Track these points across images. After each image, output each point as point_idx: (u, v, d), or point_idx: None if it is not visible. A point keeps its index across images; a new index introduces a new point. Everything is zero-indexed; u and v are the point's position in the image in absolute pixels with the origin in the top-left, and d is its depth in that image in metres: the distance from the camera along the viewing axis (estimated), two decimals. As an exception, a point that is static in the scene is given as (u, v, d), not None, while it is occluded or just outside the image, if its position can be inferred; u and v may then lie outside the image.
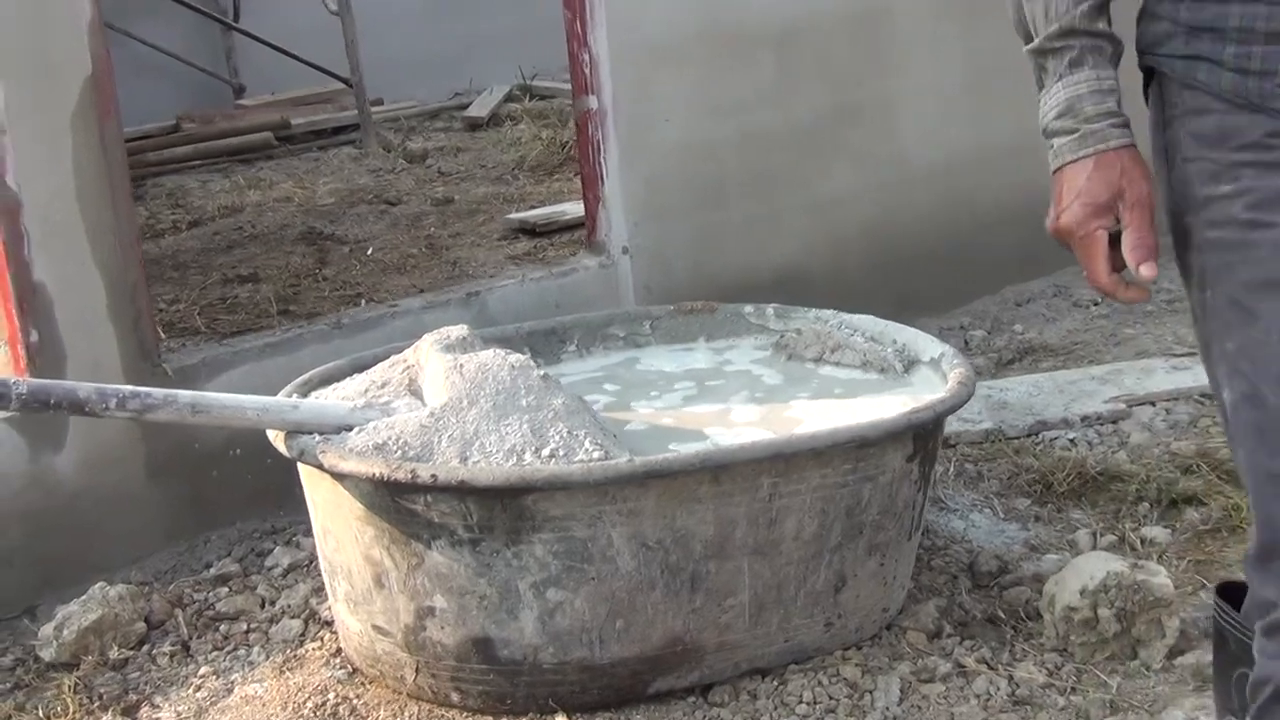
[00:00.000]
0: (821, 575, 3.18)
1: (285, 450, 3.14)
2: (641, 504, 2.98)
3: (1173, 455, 4.08)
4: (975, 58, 5.05)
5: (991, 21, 5.01)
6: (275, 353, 3.99)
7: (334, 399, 3.32)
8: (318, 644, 3.43)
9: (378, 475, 2.96)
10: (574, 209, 6.52)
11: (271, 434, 3.20)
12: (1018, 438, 4.20)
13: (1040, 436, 4.23)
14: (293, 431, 3.14)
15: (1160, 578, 3.25)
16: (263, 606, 3.64)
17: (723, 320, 3.93)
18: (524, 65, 9.56)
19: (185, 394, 3.06)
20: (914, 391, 3.49)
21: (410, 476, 2.94)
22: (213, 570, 3.79)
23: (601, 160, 4.38)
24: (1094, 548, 3.70)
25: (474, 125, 8.80)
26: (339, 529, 3.16)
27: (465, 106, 9.28)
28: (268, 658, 3.41)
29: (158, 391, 3.02)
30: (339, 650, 3.36)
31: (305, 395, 3.42)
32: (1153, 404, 4.36)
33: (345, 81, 8.30)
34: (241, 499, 3.95)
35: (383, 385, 3.32)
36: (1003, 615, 3.40)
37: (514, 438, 3.06)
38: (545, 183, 7.24)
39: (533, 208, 6.73)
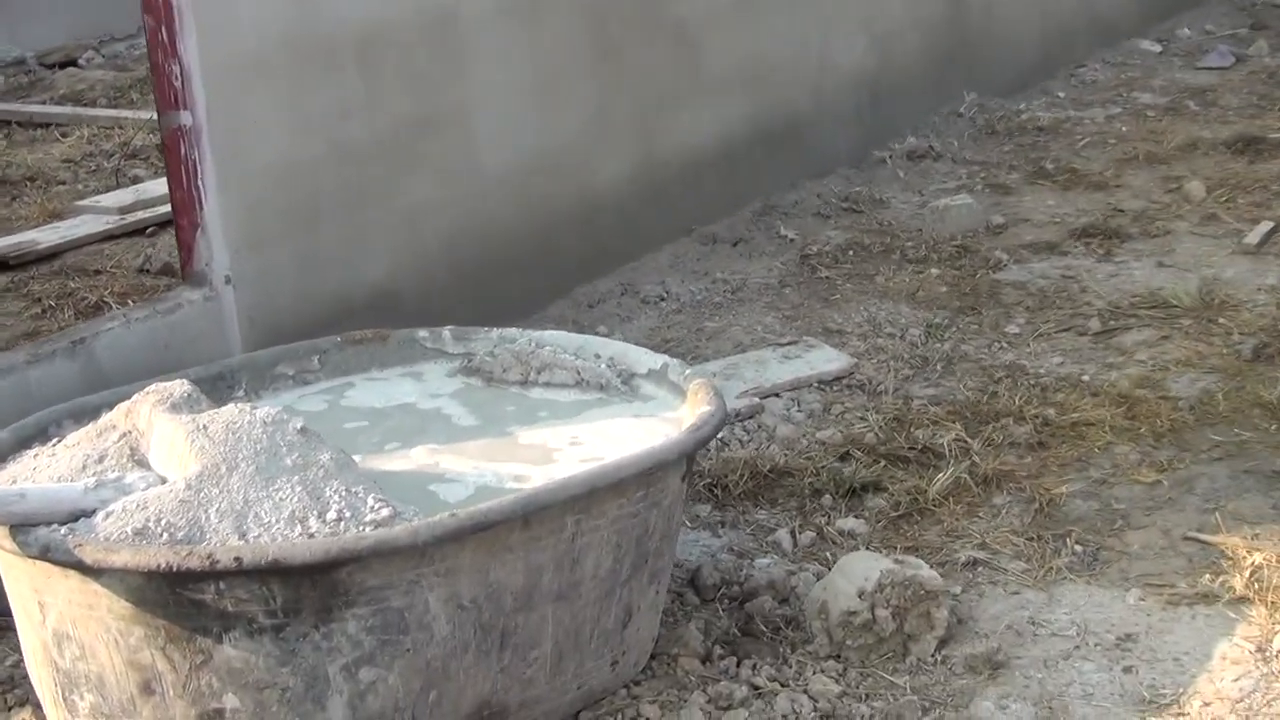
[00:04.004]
0: (612, 612, 3.00)
1: (16, 548, 2.64)
2: (458, 561, 2.71)
3: (823, 445, 4.12)
4: (540, 60, 4.92)
5: (554, 21, 4.94)
6: None
7: (44, 479, 2.82)
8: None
9: (163, 565, 2.54)
10: (46, 237, 5.94)
11: (-14, 531, 2.68)
12: (668, 442, 4.11)
13: (688, 439, 4.15)
14: (20, 525, 2.64)
15: (926, 570, 3.26)
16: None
17: (395, 348, 3.62)
18: None
19: (-106, 495, 2.51)
20: (653, 408, 3.34)
21: (208, 564, 2.54)
22: None
23: (200, 183, 3.95)
24: (795, 546, 3.67)
25: None
26: (87, 634, 2.69)
27: None
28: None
29: None
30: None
31: (-18, 479, 2.90)
32: (778, 395, 4.38)
33: None
34: None
35: (100, 459, 2.85)
36: (763, 629, 3.31)
37: (291, 503, 2.71)
38: (-25, 209, 6.55)
39: (-16, 237, 6.08)
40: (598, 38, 5.16)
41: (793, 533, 3.71)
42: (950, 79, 6.97)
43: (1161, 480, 3.85)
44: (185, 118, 3.92)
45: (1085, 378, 4.41)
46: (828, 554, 3.60)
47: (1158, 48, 8.30)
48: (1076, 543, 3.58)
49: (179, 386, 2.96)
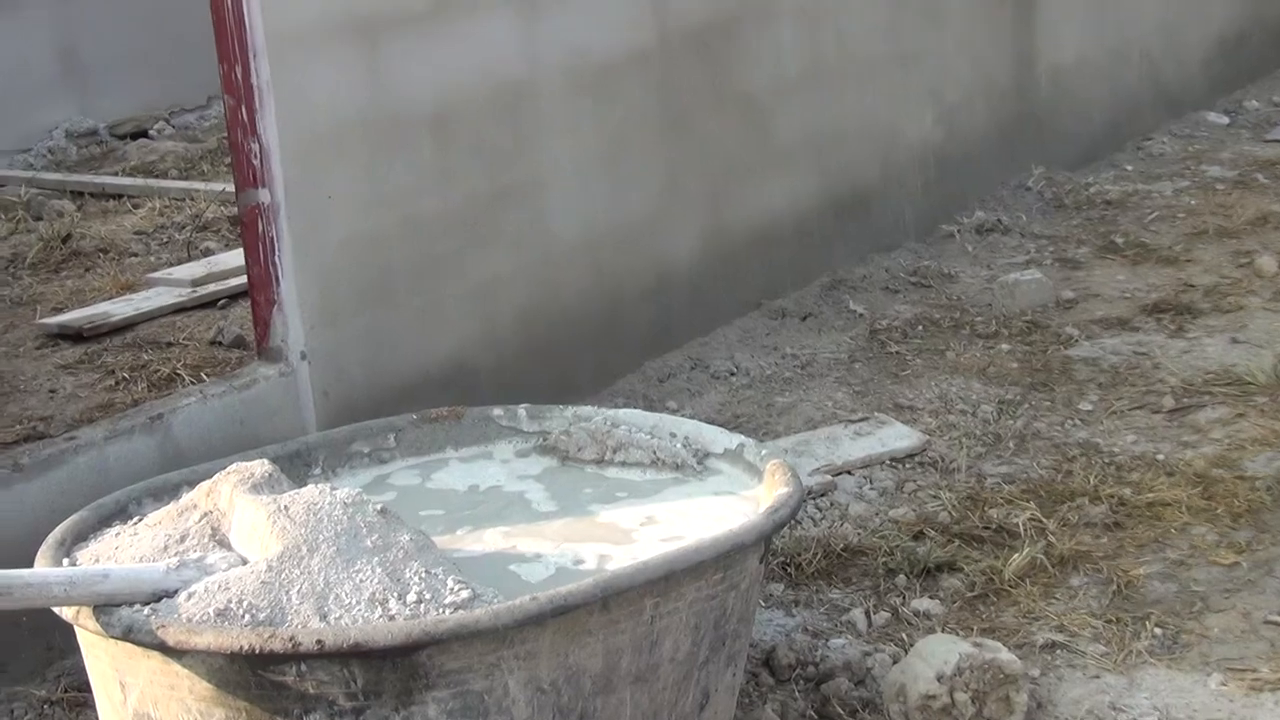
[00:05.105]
0: (690, 695, 2.98)
1: (99, 628, 2.65)
2: (538, 644, 2.69)
3: (896, 523, 4.09)
4: (611, 133, 4.97)
5: (625, 94, 4.98)
6: (-48, 506, 3.40)
7: (126, 559, 2.84)
8: None
9: (246, 648, 2.54)
10: (119, 309, 6.00)
11: (69, 611, 2.70)
12: (741, 520, 4.10)
13: (760, 516, 4.14)
14: (103, 605, 2.65)
15: (1005, 654, 3.23)
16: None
17: (470, 426, 3.62)
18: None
19: (-18, 576, 2.53)
20: (729, 487, 3.33)
21: (290, 646, 2.54)
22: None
23: (276, 259, 3.99)
24: (869, 626, 3.65)
25: (-80, 219, 7.92)
26: (168, 714, 2.69)
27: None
28: None
29: (-49, 577, 2.49)
30: None
31: (66, 558, 2.92)
32: (850, 472, 4.36)
33: None
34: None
35: (182, 539, 2.87)
36: (840, 711, 3.28)
37: (371, 585, 2.71)
38: (55, 281, 6.63)
39: (59, 310, 6.14)
40: (668, 110, 5.19)
41: (867, 613, 3.69)
42: (1018, 151, 6.97)
43: (1240, 562, 3.81)
44: (264, 195, 3.96)
45: (1160, 457, 4.37)
46: (903, 635, 3.58)
47: (1225, 120, 8.28)
48: (1156, 625, 3.54)
49: (260, 466, 2.97)
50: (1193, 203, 6.83)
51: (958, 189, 6.59)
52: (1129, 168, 7.46)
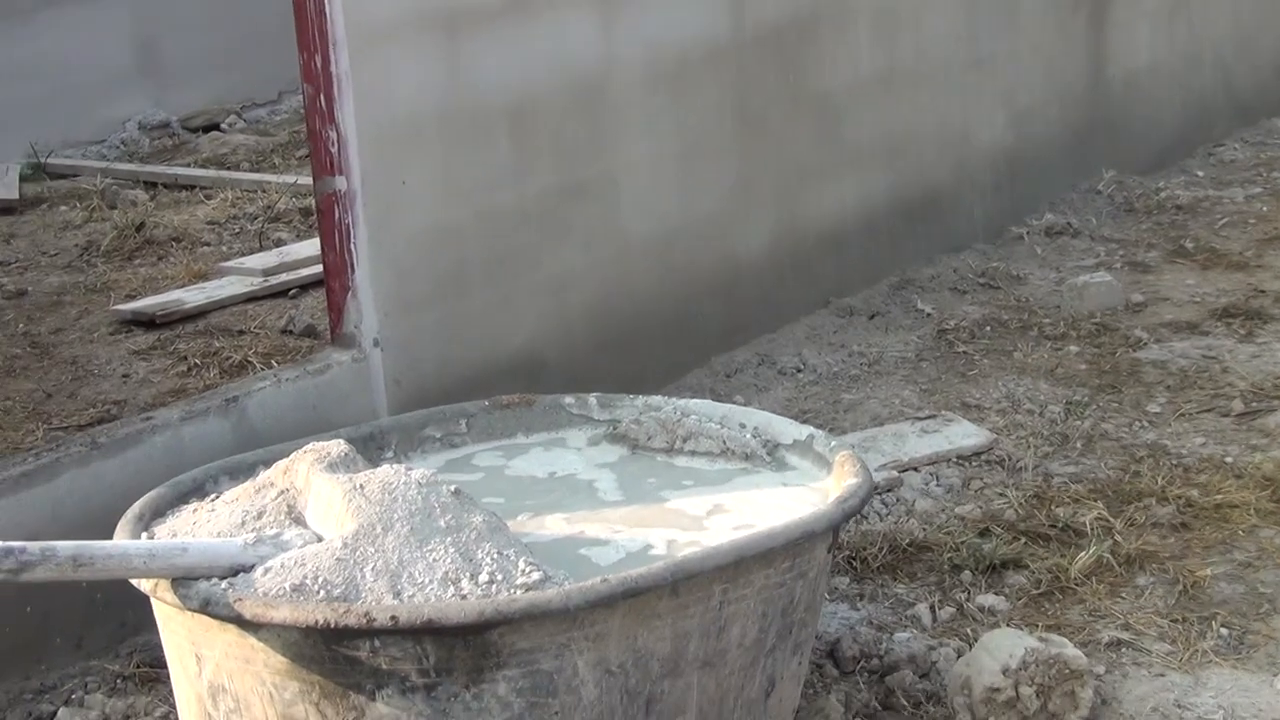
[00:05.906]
0: (756, 681, 3.00)
1: (177, 601, 2.70)
2: (608, 626, 2.72)
3: (962, 520, 4.10)
4: (685, 130, 4.99)
5: (699, 92, 5.00)
6: (32, 482, 3.46)
7: (204, 534, 2.89)
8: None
9: (322, 622, 2.58)
10: (192, 297, 6.07)
11: (147, 584, 2.75)
12: (807, 514, 4.11)
13: (826, 511, 4.16)
14: (182, 578, 2.70)
15: (1070, 649, 3.24)
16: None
17: (541, 413, 3.66)
18: (30, 140, 8.80)
19: (65, 546, 2.59)
20: (798, 478, 3.35)
21: (364, 621, 2.58)
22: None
23: (352, 247, 4.04)
24: (934, 621, 3.66)
25: (5, 209, 8.02)
26: (242, 687, 2.74)
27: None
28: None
29: (33, 546, 2.54)
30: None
31: (144, 532, 2.97)
32: (917, 469, 4.37)
33: None
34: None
35: (259, 515, 2.91)
36: (904, 703, 3.30)
37: (444, 564, 2.74)
38: (128, 269, 6.72)
39: (132, 297, 6.22)
40: (741, 109, 5.21)
41: (932, 608, 3.70)
42: (1088, 155, 6.95)
43: (1308, 565, 3.80)
44: (340, 183, 4.01)
45: (1228, 459, 4.36)
46: (968, 630, 3.58)
47: (1297, 128, 8.24)
48: (1222, 626, 3.54)
49: (336, 446, 3.01)
50: (1264, 209, 6.79)
51: (1028, 191, 6.58)
52: (1200, 173, 7.43)
